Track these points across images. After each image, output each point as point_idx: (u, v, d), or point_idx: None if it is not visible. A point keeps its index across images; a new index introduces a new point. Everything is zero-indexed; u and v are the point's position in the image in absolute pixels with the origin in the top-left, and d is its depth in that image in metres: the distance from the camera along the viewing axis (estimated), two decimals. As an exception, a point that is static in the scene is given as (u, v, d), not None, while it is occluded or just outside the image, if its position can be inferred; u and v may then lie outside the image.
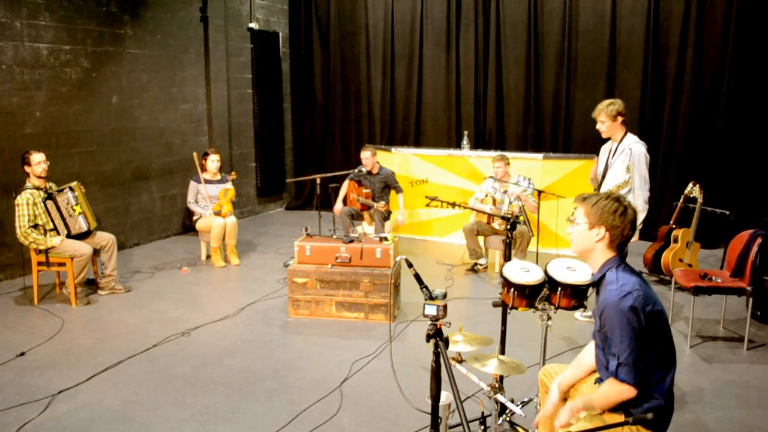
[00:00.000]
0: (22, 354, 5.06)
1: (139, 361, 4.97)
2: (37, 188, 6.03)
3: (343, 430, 3.99)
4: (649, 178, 5.21)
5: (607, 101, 5.25)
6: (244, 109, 10.27)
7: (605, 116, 5.19)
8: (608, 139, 5.43)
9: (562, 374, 3.06)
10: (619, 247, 2.77)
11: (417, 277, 2.71)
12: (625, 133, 5.29)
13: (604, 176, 5.40)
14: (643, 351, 2.61)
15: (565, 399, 2.99)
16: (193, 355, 5.10)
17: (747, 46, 7.97)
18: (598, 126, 5.28)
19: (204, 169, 7.73)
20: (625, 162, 5.19)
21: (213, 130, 9.50)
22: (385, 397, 4.36)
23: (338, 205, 8.06)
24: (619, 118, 5.20)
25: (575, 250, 2.89)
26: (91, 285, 6.62)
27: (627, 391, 2.63)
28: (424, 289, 2.63)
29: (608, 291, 2.67)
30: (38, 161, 6.01)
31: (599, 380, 2.85)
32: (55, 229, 6.09)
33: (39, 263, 6.11)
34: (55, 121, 7.29)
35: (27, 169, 6.03)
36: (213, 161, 7.70)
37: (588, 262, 2.88)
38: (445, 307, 2.46)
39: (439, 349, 2.38)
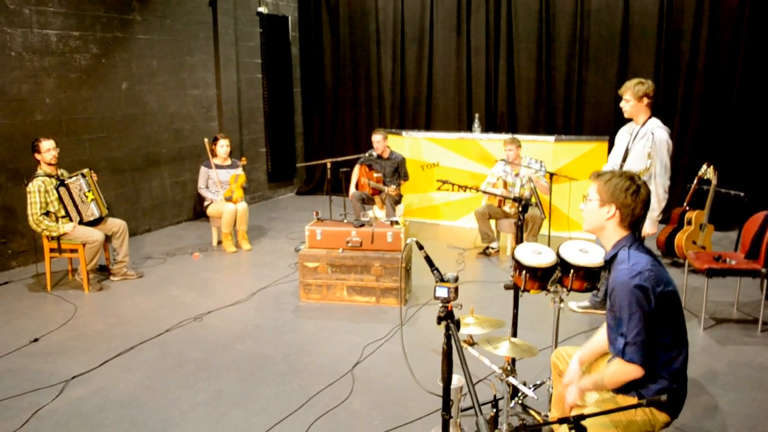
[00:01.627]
0: (36, 340, 5.10)
1: (151, 346, 5.00)
2: (49, 175, 6.04)
3: (354, 413, 3.99)
4: (670, 166, 4.95)
5: (637, 80, 5.01)
6: (254, 94, 10.24)
7: (631, 95, 4.95)
8: (627, 121, 5.21)
9: (581, 348, 3.05)
10: (632, 225, 2.74)
11: (428, 259, 2.68)
12: (649, 117, 5.04)
13: (624, 160, 5.16)
14: (653, 332, 2.58)
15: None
16: (205, 340, 5.12)
17: (762, 27, 7.84)
18: (622, 104, 5.05)
19: (214, 154, 7.72)
20: (647, 147, 4.94)
21: (223, 115, 9.49)
22: (397, 381, 4.36)
23: (352, 190, 8.05)
24: (645, 100, 4.96)
25: (587, 227, 2.86)
26: (103, 271, 6.65)
27: (634, 371, 2.61)
28: (435, 272, 2.60)
29: (619, 270, 2.64)
30: (48, 148, 6.01)
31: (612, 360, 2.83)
32: (67, 215, 6.10)
33: (51, 250, 6.14)
34: (65, 107, 7.29)
35: (37, 156, 6.03)
36: (223, 146, 7.69)
37: (600, 241, 2.85)
38: (456, 289, 2.43)
39: (450, 332, 2.36)
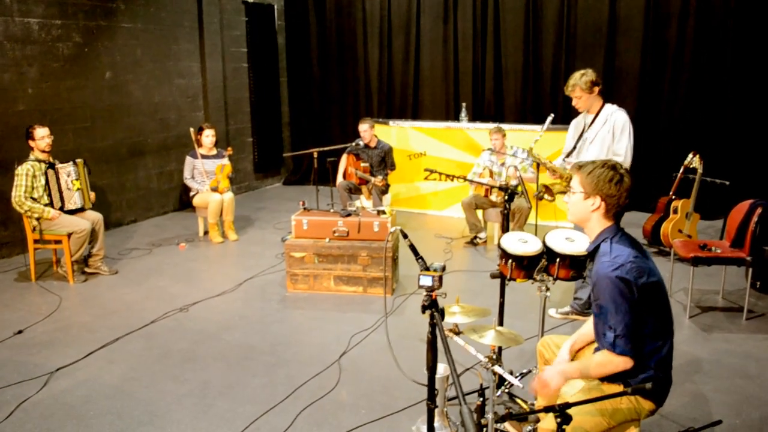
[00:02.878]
0: (20, 332, 5.05)
1: (137, 338, 4.96)
2: (39, 161, 5.98)
3: (341, 403, 3.99)
4: (632, 148, 4.72)
5: (578, 73, 4.77)
6: (240, 83, 10.17)
7: (580, 90, 4.72)
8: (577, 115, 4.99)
9: (572, 336, 3.07)
10: (616, 216, 2.73)
11: (412, 248, 2.67)
12: (603, 104, 4.83)
13: (574, 147, 4.94)
14: (638, 322, 2.58)
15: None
16: (191, 330, 5.09)
17: (750, 16, 7.85)
18: (574, 102, 4.83)
19: (200, 144, 7.66)
20: (610, 133, 4.73)
21: (209, 105, 9.41)
22: (384, 370, 4.35)
23: (339, 180, 8.02)
24: (596, 89, 4.74)
25: (571, 219, 2.85)
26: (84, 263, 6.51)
27: (624, 363, 2.61)
28: (419, 260, 2.59)
29: (601, 263, 2.64)
30: (42, 136, 5.97)
31: (598, 349, 2.83)
32: (51, 204, 6.03)
33: (35, 241, 6.08)
34: (48, 97, 7.20)
35: (31, 143, 5.99)
36: (208, 136, 7.62)
37: (585, 232, 2.84)
38: (440, 277, 2.42)
39: (434, 321, 2.35)
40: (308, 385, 4.19)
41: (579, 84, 4.71)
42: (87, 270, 6.39)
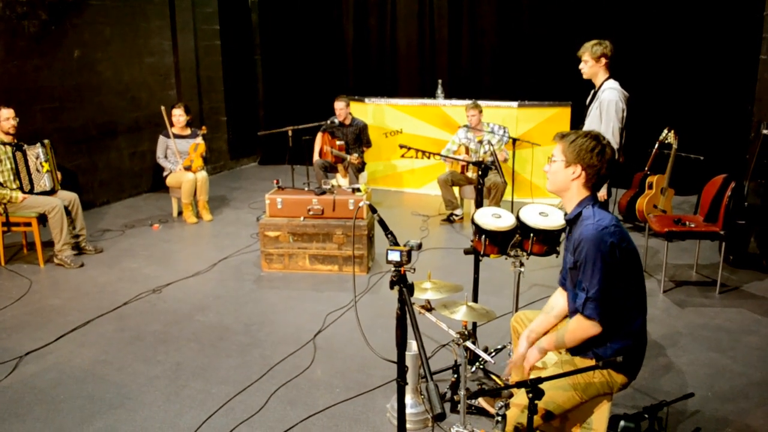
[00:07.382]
0: (-12, 316, 4.96)
1: (108, 320, 4.89)
2: (4, 143, 5.84)
3: (316, 382, 3.96)
4: (618, 129, 4.67)
5: (595, 41, 4.80)
6: (213, 61, 9.99)
7: (588, 56, 4.78)
8: (590, 85, 4.98)
9: (530, 326, 3.02)
10: (594, 187, 2.72)
11: (381, 223, 2.62)
12: (607, 78, 4.83)
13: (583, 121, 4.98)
14: (613, 289, 2.57)
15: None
16: (164, 312, 5.02)
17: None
18: (581, 66, 4.87)
19: (172, 123, 7.53)
20: (598, 110, 4.76)
21: (181, 83, 9.24)
22: (359, 349, 4.33)
23: (315, 158, 7.94)
24: (603, 60, 4.77)
25: (550, 188, 2.83)
26: (77, 249, 6.28)
27: (592, 327, 2.60)
28: (389, 236, 2.55)
29: (585, 225, 2.63)
30: (7, 117, 5.83)
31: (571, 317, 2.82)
32: (20, 188, 5.90)
33: (2, 224, 5.95)
34: (15, 76, 7.01)
35: None
36: (180, 115, 7.49)
37: (563, 201, 2.82)
38: (409, 252, 2.38)
39: (403, 296, 2.31)
40: (283, 365, 4.16)
41: (589, 50, 4.77)
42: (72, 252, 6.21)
